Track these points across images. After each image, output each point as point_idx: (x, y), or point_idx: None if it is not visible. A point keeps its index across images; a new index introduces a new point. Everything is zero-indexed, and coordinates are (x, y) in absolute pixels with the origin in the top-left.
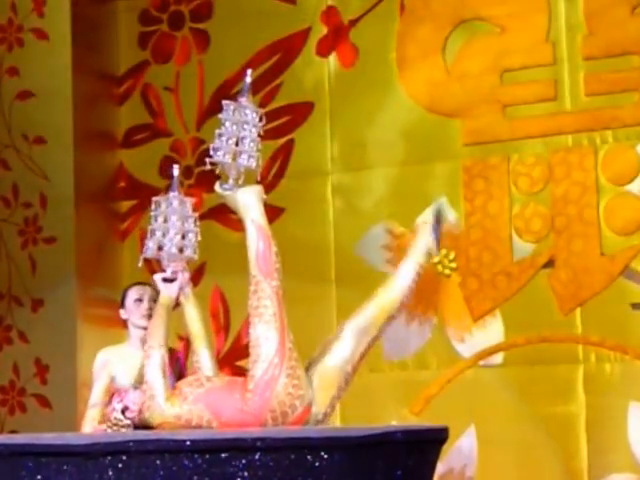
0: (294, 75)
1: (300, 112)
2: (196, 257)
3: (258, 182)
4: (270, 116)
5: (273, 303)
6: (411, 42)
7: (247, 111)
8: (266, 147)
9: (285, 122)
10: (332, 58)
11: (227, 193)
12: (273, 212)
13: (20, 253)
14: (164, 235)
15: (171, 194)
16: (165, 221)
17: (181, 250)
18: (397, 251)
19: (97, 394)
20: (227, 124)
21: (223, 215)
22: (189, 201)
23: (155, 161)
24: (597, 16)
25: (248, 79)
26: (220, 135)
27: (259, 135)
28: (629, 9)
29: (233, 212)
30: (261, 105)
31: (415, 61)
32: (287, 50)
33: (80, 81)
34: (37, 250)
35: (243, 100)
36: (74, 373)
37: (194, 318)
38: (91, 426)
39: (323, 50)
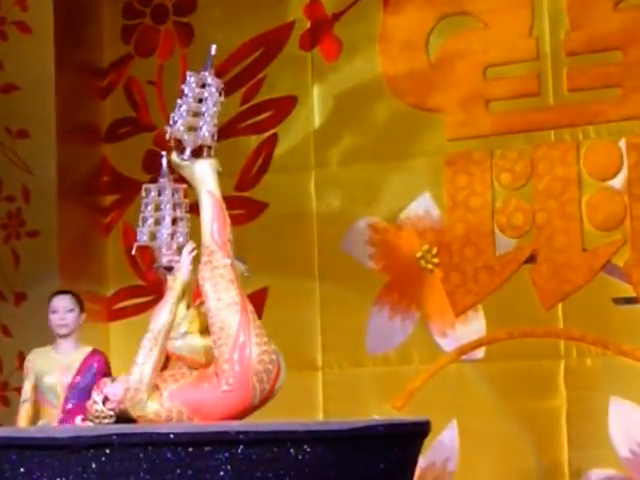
0: (277, 69)
1: (283, 106)
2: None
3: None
4: (253, 110)
5: (229, 272)
6: (394, 36)
7: (209, 86)
8: (249, 141)
9: (268, 116)
10: (315, 52)
11: (184, 163)
12: (257, 207)
13: (3, 247)
14: (157, 223)
15: (161, 181)
16: (157, 209)
17: (172, 237)
18: (380, 246)
19: (26, 391)
20: (188, 96)
21: None
22: (181, 188)
23: (139, 155)
24: (580, 11)
25: (212, 51)
26: (180, 106)
27: (218, 109)
28: (612, 4)
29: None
30: (244, 99)
31: (398, 55)
32: (270, 44)
33: (63, 74)
34: (20, 244)
35: (205, 73)
36: None
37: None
38: (24, 420)
39: (306, 44)
